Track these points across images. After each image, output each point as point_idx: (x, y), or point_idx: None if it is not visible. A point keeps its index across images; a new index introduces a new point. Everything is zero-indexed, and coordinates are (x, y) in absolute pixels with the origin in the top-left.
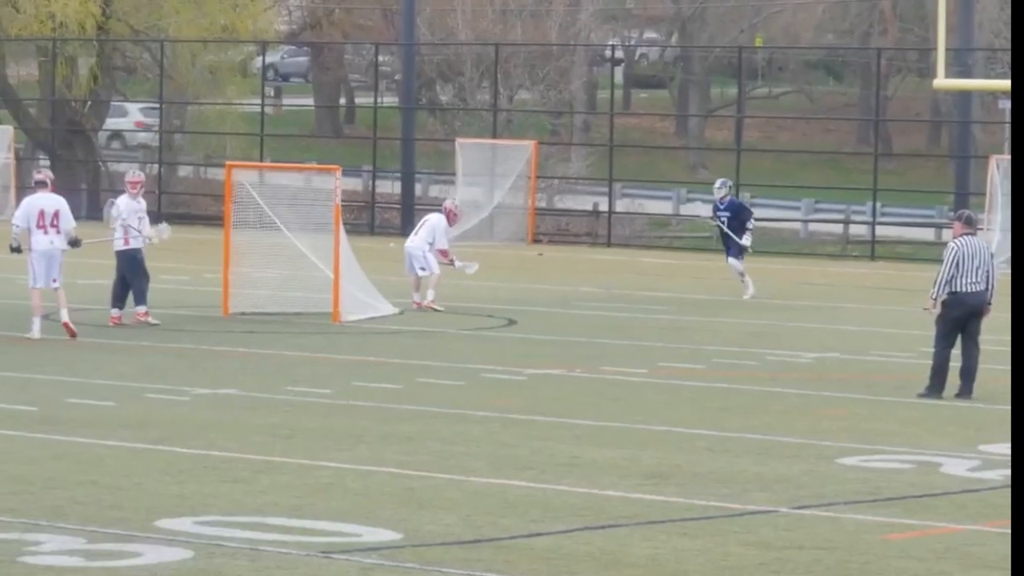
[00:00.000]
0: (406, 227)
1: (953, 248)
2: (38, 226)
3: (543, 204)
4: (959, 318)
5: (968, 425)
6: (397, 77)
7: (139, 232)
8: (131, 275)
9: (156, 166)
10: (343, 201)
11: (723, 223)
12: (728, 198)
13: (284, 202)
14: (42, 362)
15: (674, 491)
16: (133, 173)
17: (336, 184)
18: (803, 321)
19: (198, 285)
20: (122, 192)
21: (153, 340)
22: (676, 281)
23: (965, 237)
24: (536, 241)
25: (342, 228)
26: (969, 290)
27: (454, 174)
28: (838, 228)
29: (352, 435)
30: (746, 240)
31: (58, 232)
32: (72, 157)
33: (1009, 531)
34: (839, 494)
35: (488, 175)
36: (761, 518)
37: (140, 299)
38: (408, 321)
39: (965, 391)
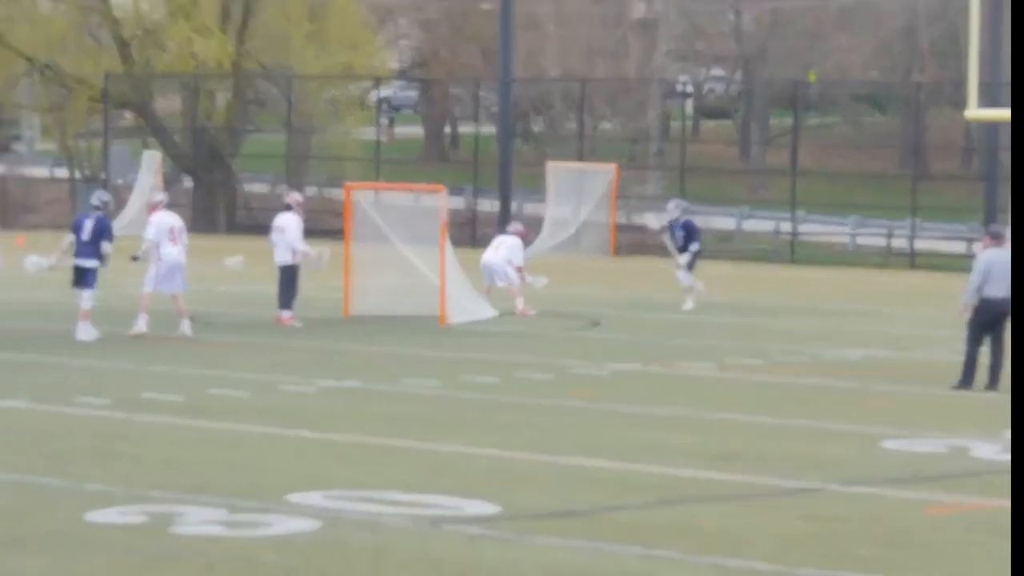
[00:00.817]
0: None
1: (983, 259)
2: (169, 239)
3: (623, 220)
4: (987, 321)
5: (995, 414)
6: (495, 109)
7: (316, 259)
8: (287, 285)
9: (284, 186)
10: (448, 218)
11: (675, 240)
12: (683, 219)
13: (396, 218)
14: (186, 358)
15: (738, 470)
16: (294, 193)
17: (442, 203)
18: (852, 324)
19: (322, 292)
20: (282, 209)
21: (284, 339)
22: (739, 288)
23: (993, 249)
24: (617, 253)
25: (447, 241)
26: (996, 296)
27: (545, 194)
28: (882, 241)
29: (457, 422)
30: (684, 258)
31: (182, 245)
32: (211, 180)
33: None
34: (883, 474)
35: (575, 195)
36: (814, 495)
37: (287, 305)
38: (505, 323)
39: (992, 384)
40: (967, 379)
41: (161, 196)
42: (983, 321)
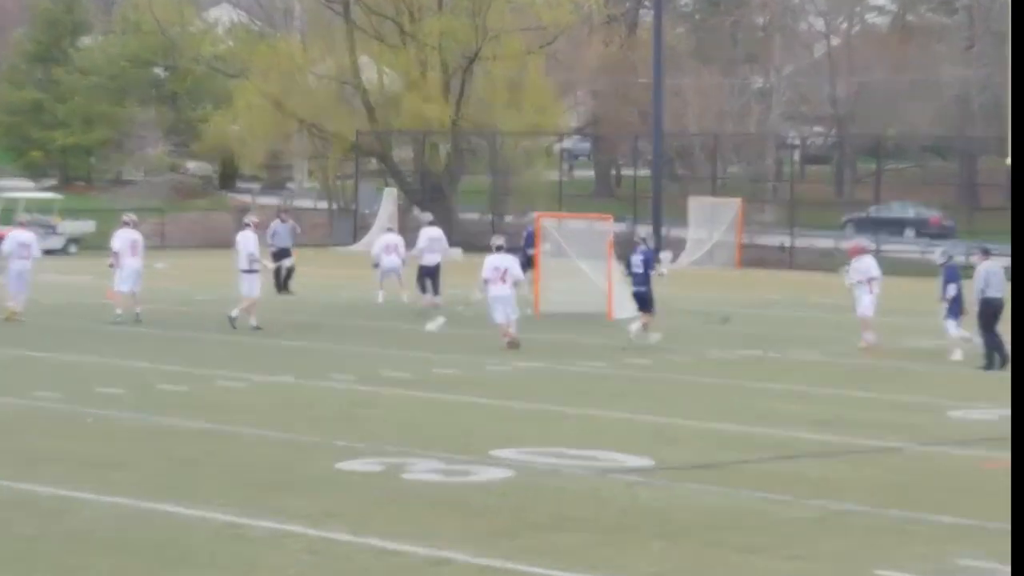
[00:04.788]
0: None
1: (980, 270)
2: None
3: (747, 241)
4: (989, 315)
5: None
6: (649, 157)
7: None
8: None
9: (509, 217)
10: (614, 240)
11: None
12: (643, 247)
13: (574, 239)
14: (411, 341)
15: (835, 432)
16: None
17: (609, 227)
18: (921, 319)
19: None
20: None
21: (484, 328)
22: (836, 294)
23: (986, 262)
24: (741, 266)
25: (613, 256)
26: (994, 296)
27: (687, 221)
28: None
29: (619, 394)
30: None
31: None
32: (434, 209)
33: None
34: (949, 436)
35: (709, 222)
36: (895, 452)
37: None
38: (658, 321)
39: (1005, 362)
40: (990, 362)
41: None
42: (986, 316)
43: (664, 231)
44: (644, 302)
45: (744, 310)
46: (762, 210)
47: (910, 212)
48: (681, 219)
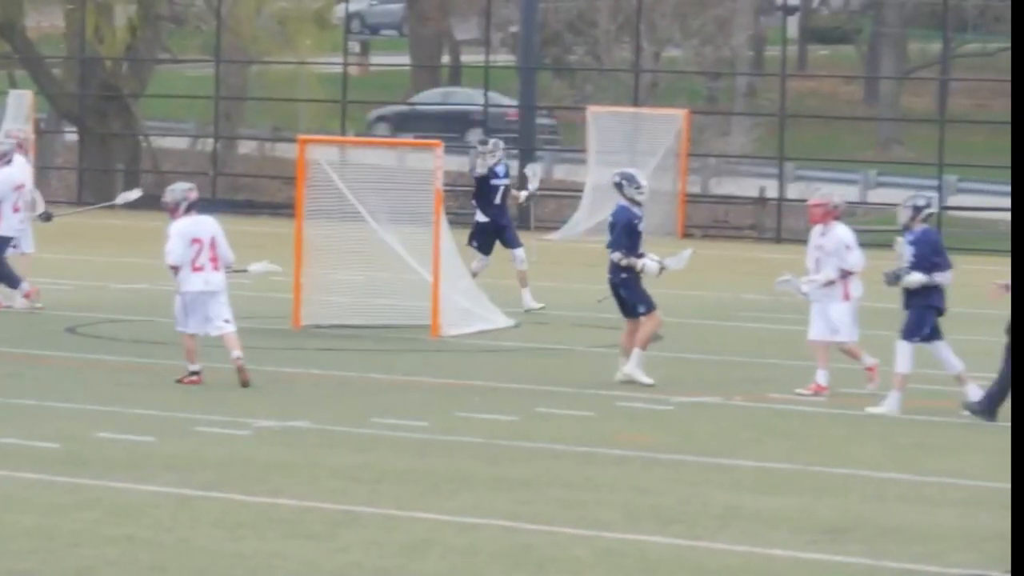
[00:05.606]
0: (524, 217)
1: None
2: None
3: (696, 189)
4: None
5: None
6: (514, 29)
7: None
8: None
9: (211, 141)
10: (446, 185)
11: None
12: (501, 163)
13: (371, 186)
14: (65, 387)
15: (858, 550)
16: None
17: (438, 164)
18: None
19: (262, 291)
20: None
21: (203, 359)
22: (862, 285)
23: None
24: (687, 235)
25: (444, 219)
26: None
27: (584, 151)
28: None
29: (453, 479)
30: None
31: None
32: (106, 129)
33: None
34: None
35: (628, 152)
36: None
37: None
38: (526, 336)
39: None
40: None
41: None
42: None
43: (542, 168)
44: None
45: (689, 320)
46: (727, 130)
47: None
48: (574, 147)
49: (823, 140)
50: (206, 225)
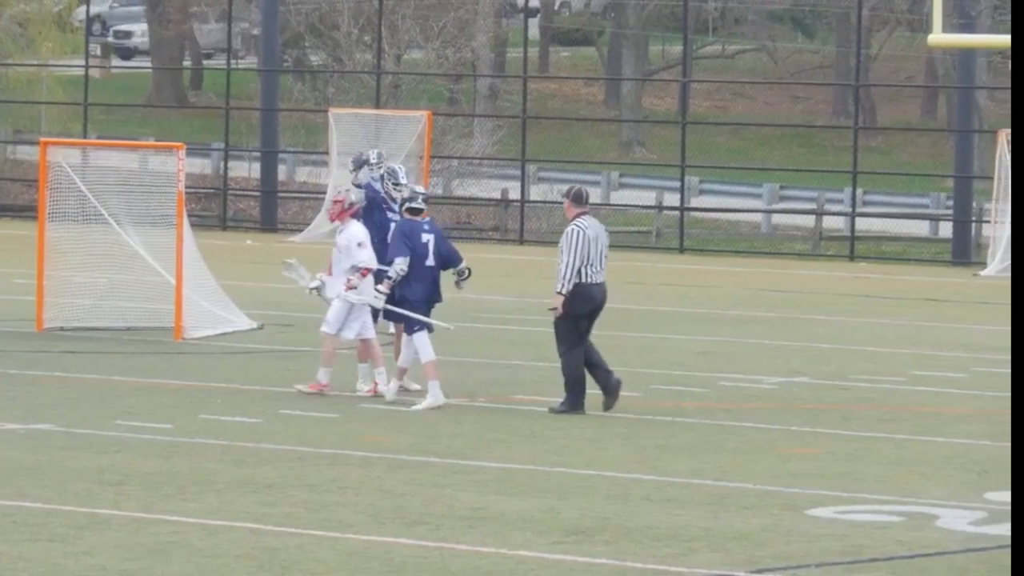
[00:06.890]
0: (266, 219)
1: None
2: None
3: (439, 190)
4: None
5: (971, 467)
6: (256, 32)
7: None
8: None
9: None
10: (188, 188)
11: None
12: None
13: (114, 189)
14: None
15: (603, 551)
16: None
17: (179, 166)
18: (765, 337)
19: (4, 293)
20: None
21: None
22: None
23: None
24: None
25: (186, 221)
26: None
27: (327, 153)
28: (809, 221)
29: (198, 481)
30: None
31: None
32: None
33: None
34: (809, 554)
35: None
36: None
37: None
38: (269, 339)
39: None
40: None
41: None
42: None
43: (282, 173)
44: None
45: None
46: (468, 132)
47: None
48: (317, 148)
49: (565, 142)
50: None
